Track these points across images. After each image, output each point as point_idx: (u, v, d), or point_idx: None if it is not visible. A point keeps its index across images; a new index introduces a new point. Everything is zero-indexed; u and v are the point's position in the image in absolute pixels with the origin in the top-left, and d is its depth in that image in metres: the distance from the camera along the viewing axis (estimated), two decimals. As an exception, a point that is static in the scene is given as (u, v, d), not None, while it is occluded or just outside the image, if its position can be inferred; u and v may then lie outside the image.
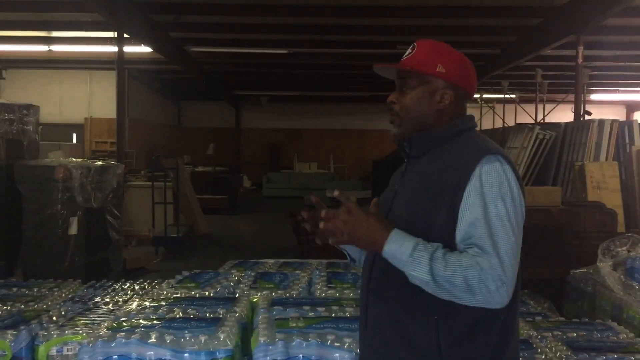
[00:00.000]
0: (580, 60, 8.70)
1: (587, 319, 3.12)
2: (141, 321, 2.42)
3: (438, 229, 1.58)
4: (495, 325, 1.58)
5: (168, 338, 2.21)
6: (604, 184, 6.53)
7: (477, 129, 1.81)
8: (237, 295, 3.04)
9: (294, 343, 2.21)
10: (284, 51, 12.22)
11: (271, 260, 4.11)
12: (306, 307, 2.64)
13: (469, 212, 1.54)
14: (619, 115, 20.71)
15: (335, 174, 20.65)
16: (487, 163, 1.57)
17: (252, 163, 22.49)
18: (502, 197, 1.54)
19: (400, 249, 1.52)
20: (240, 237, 11.06)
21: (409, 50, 1.76)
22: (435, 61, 1.71)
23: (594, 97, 18.25)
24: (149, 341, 2.20)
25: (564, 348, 2.51)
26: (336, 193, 1.62)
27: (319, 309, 2.63)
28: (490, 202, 1.53)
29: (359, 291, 1.89)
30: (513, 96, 14.35)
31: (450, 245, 1.55)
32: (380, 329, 1.67)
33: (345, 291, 3.09)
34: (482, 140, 1.69)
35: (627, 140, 7.24)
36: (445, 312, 1.55)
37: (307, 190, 17.71)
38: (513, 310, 1.61)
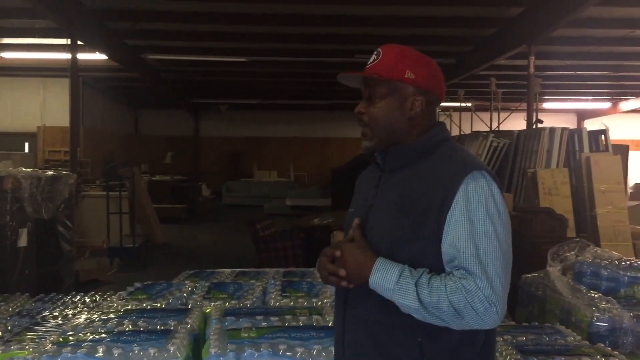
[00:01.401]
0: (532, 69, 8.93)
1: (537, 323, 3.18)
2: (89, 335, 2.37)
3: (423, 248, 1.53)
4: (478, 344, 1.56)
5: (116, 352, 2.16)
6: (555, 190, 6.69)
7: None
8: (189, 307, 2.99)
9: (245, 354, 2.19)
10: (243, 59, 12.19)
11: (227, 270, 4.07)
12: (259, 317, 2.62)
13: (453, 231, 1.50)
14: (570, 123, 21.32)
15: (295, 182, 20.65)
16: (472, 180, 1.52)
17: (212, 172, 22.30)
18: (489, 214, 1.50)
19: (385, 278, 1.49)
20: (199, 247, 10.93)
21: (374, 56, 1.68)
22: (403, 67, 1.64)
23: (546, 105, 18.76)
24: (96, 355, 2.15)
25: (514, 352, 2.55)
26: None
27: (272, 318, 2.61)
28: (477, 220, 1.49)
29: (334, 310, 1.81)
30: (469, 104, 14.63)
31: (436, 264, 1.52)
32: (362, 352, 1.61)
33: (300, 300, 3.08)
34: (463, 154, 1.63)
35: (577, 148, 7.45)
36: (429, 334, 1.52)
37: (267, 199, 17.64)
38: (494, 328, 1.58)
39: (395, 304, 1.50)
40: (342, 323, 1.69)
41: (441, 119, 15.53)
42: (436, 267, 1.52)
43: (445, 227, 1.51)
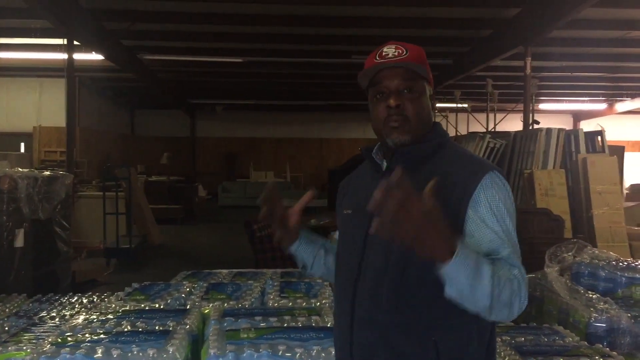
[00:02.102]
0: (528, 70, 8.95)
1: (535, 324, 3.19)
2: (87, 336, 2.35)
3: None
4: (485, 336, 1.58)
5: (115, 352, 2.15)
6: (551, 191, 6.71)
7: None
8: (188, 307, 2.99)
9: (244, 354, 2.18)
10: (239, 60, 12.18)
11: (225, 271, 4.06)
12: (258, 318, 2.61)
13: (485, 229, 1.48)
14: (566, 124, 21.38)
15: (292, 183, 20.63)
16: (490, 180, 1.53)
17: (208, 172, 22.27)
18: (508, 213, 1.52)
19: (467, 259, 1.31)
20: (195, 248, 10.91)
21: (398, 51, 1.63)
22: (426, 64, 1.66)
23: (542, 106, 18.81)
24: (95, 356, 2.14)
25: (512, 352, 2.56)
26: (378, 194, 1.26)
27: (271, 319, 2.61)
28: (501, 218, 1.50)
29: (335, 314, 1.78)
30: (465, 105, 14.65)
31: None
32: (373, 355, 1.58)
33: (298, 301, 3.07)
34: (471, 154, 1.65)
35: (573, 149, 7.47)
36: (443, 332, 1.52)
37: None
38: (495, 326, 1.62)
39: (456, 291, 1.33)
40: (349, 325, 1.63)
41: (437, 119, 15.53)
42: None
43: (468, 226, 1.49)
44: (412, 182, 1.41)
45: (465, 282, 1.31)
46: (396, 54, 1.62)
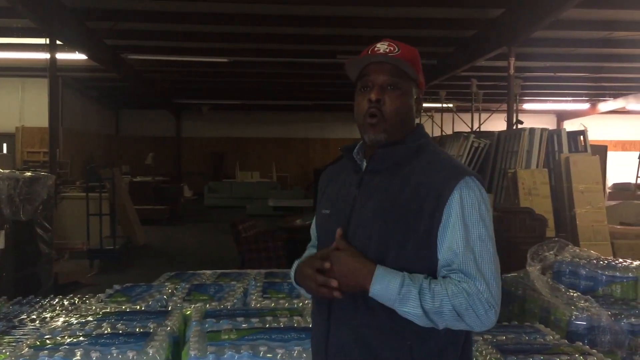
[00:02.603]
0: (512, 71, 9.01)
1: (516, 322, 3.20)
2: (66, 338, 2.33)
3: (414, 252, 1.53)
4: (460, 342, 1.59)
5: (94, 355, 2.13)
6: (535, 190, 6.76)
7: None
8: (169, 309, 2.97)
9: (225, 356, 2.17)
10: (225, 59, 12.14)
11: (209, 271, 4.04)
12: (240, 319, 2.60)
13: (450, 236, 1.50)
14: (550, 124, 21.55)
15: (278, 182, 20.61)
16: (465, 185, 1.52)
17: (194, 172, 22.17)
18: (482, 218, 1.52)
19: (388, 288, 1.46)
20: (181, 248, 10.86)
21: (389, 47, 1.62)
22: (418, 67, 1.64)
23: (526, 106, 18.94)
24: (74, 359, 2.12)
25: (494, 351, 2.57)
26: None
27: (253, 319, 2.60)
28: (472, 225, 1.50)
29: (312, 315, 1.78)
30: (450, 105, 14.73)
31: (426, 268, 1.52)
32: (349, 356, 1.59)
33: (281, 301, 3.07)
34: (448, 158, 1.64)
35: (556, 148, 7.53)
36: (419, 336, 1.53)
37: (249, 200, 17.59)
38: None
39: (396, 310, 1.48)
40: (325, 328, 1.64)
41: (423, 120, 15.61)
42: (426, 270, 1.52)
43: (439, 231, 1.52)
44: (389, 184, 1.56)
45: (392, 303, 1.47)
46: (387, 50, 1.61)
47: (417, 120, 1.73)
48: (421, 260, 1.52)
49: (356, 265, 1.50)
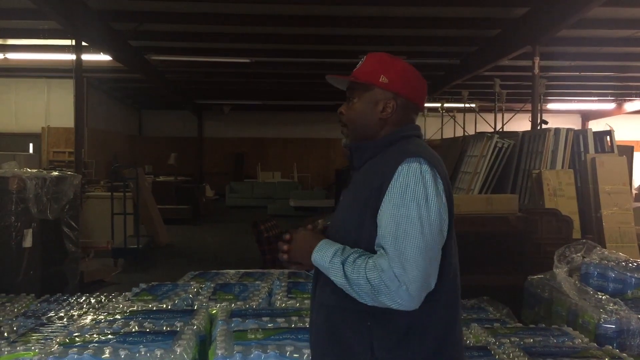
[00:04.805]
0: (536, 70, 8.89)
1: (543, 325, 3.17)
2: (95, 336, 2.36)
3: (366, 236, 1.63)
4: (429, 332, 1.61)
5: (122, 353, 2.15)
6: (560, 191, 6.67)
7: (424, 138, 1.87)
8: (195, 308, 2.99)
9: (252, 355, 2.18)
10: (247, 60, 12.18)
11: (232, 271, 4.06)
12: (265, 318, 2.61)
13: (382, 215, 1.59)
14: (575, 124, 21.27)
15: (299, 183, 20.62)
16: (406, 165, 1.60)
17: (215, 173, 22.30)
18: (415, 198, 1.56)
19: (323, 256, 1.61)
20: (203, 248, 10.92)
21: (360, 62, 1.83)
22: (378, 72, 1.76)
23: (550, 106, 18.71)
24: (103, 357, 2.14)
25: (521, 354, 2.54)
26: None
27: (279, 319, 2.61)
28: (403, 203, 1.56)
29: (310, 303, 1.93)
30: (473, 105, 14.60)
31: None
32: (320, 337, 1.72)
33: (306, 301, 3.07)
34: (412, 146, 1.69)
35: (582, 149, 7.42)
36: (379, 319, 1.59)
37: (271, 200, 17.63)
38: (448, 317, 1.64)
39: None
40: (311, 311, 1.81)
41: (445, 120, 15.51)
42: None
43: (379, 212, 1.60)
44: (362, 177, 1.72)
45: (325, 270, 1.62)
46: (357, 66, 1.84)
47: (415, 118, 1.86)
48: (371, 243, 1.62)
49: (308, 238, 1.69)
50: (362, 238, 1.63)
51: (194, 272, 4.05)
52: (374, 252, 1.59)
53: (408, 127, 1.79)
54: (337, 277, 1.58)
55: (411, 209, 1.55)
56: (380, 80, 1.75)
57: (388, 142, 1.74)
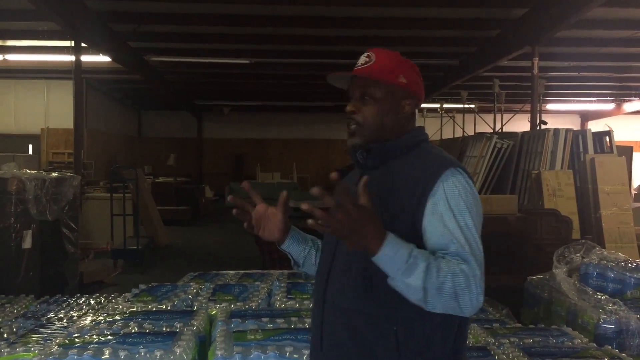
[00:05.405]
0: (535, 71, 8.90)
1: (543, 325, 3.17)
2: (94, 337, 2.36)
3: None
4: (451, 333, 1.62)
5: (122, 354, 2.15)
6: (559, 191, 6.68)
7: (437, 138, 1.84)
8: (195, 308, 2.99)
9: (251, 356, 2.18)
10: (246, 61, 12.18)
11: (232, 272, 4.07)
12: (265, 319, 2.61)
13: (439, 223, 1.54)
14: (574, 124, 21.28)
15: (299, 183, 20.61)
16: (451, 175, 1.58)
17: (215, 173, 22.30)
18: (468, 209, 1.56)
19: (396, 255, 1.44)
20: (202, 249, 10.92)
21: (365, 59, 1.76)
22: (396, 71, 1.72)
23: (549, 107, 18.73)
24: (102, 357, 2.14)
25: (521, 354, 2.54)
26: (304, 206, 1.47)
27: (278, 320, 2.61)
28: (459, 213, 1.54)
29: (313, 307, 1.83)
30: (472, 106, 14.61)
31: None
32: (339, 342, 1.64)
33: (305, 302, 3.07)
34: (440, 152, 1.71)
35: (581, 149, 7.43)
36: (405, 323, 1.57)
37: (270, 200, 17.49)
38: (462, 318, 1.63)
39: (394, 281, 1.47)
40: (320, 315, 1.71)
41: (444, 120, 15.52)
42: None
43: (425, 220, 1.56)
44: (382, 179, 1.65)
45: (396, 271, 1.44)
46: (363, 62, 1.76)
47: (416, 118, 1.84)
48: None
49: (371, 224, 1.42)
50: None
51: (194, 272, 4.06)
52: None
53: (420, 129, 1.78)
54: (413, 280, 1.44)
55: (467, 219, 1.55)
56: (399, 80, 1.72)
57: (411, 144, 1.71)
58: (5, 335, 2.80)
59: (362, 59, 1.77)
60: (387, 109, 1.72)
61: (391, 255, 1.44)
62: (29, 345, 2.56)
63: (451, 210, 1.54)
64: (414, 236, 1.56)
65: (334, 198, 1.43)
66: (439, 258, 1.50)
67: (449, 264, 1.48)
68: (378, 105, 1.72)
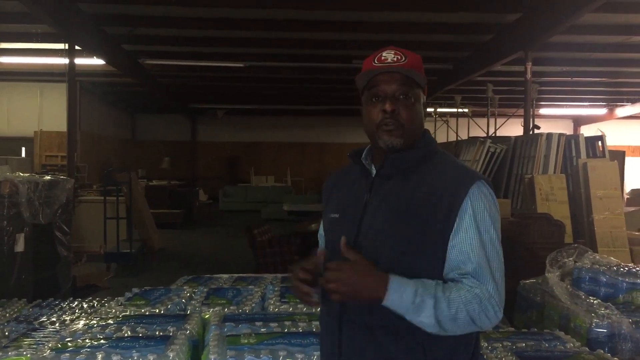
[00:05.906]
0: (529, 75, 8.95)
1: (535, 329, 3.18)
2: (87, 341, 2.35)
3: (429, 256, 1.56)
4: (472, 342, 1.64)
5: (115, 358, 2.15)
6: (552, 195, 6.70)
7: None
8: (188, 312, 2.98)
9: (245, 360, 2.18)
10: (240, 64, 12.19)
11: (225, 276, 4.06)
12: (258, 323, 2.61)
13: (462, 239, 1.54)
14: (567, 129, 21.38)
15: (293, 187, 20.62)
16: (477, 189, 1.57)
17: (209, 177, 22.27)
18: (492, 222, 1.56)
19: (402, 298, 1.47)
20: (196, 252, 10.90)
21: (397, 57, 1.65)
22: (423, 72, 1.68)
23: (542, 111, 18.82)
24: (95, 362, 2.14)
25: (514, 358, 2.55)
26: (343, 243, 1.55)
27: (272, 324, 2.60)
28: (484, 229, 1.54)
29: (322, 318, 1.78)
30: (466, 110, 14.66)
31: (440, 271, 1.55)
32: (363, 357, 1.61)
33: (299, 306, 3.07)
34: (457, 161, 1.69)
35: (573, 153, 7.47)
36: (431, 337, 1.54)
37: (264, 204, 17.62)
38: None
39: (407, 318, 1.50)
40: (337, 330, 1.65)
41: (438, 125, 15.56)
42: (439, 274, 1.56)
43: (451, 235, 1.55)
44: (401, 189, 1.60)
45: (405, 312, 1.48)
46: (395, 59, 1.64)
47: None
48: (436, 264, 1.56)
49: (369, 277, 1.50)
50: (420, 259, 1.55)
51: (187, 276, 4.05)
52: (429, 273, 1.53)
53: (429, 135, 1.73)
54: (423, 318, 1.47)
55: (492, 233, 1.55)
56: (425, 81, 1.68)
57: (427, 153, 1.66)
58: (-3, 339, 2.78)
59: (392, 56, 1.65)
60: (421, 111, 1.67)
61: (397, 299, 1.47)
62: (22, 349, 2.55)
63: (476, 227, 1.53)
64: (443, 252, 1.55)
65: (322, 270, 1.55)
66: (448, 288, 1.49)
67: (460, 292, 1.48)
68: (418, 105, 1.65)
